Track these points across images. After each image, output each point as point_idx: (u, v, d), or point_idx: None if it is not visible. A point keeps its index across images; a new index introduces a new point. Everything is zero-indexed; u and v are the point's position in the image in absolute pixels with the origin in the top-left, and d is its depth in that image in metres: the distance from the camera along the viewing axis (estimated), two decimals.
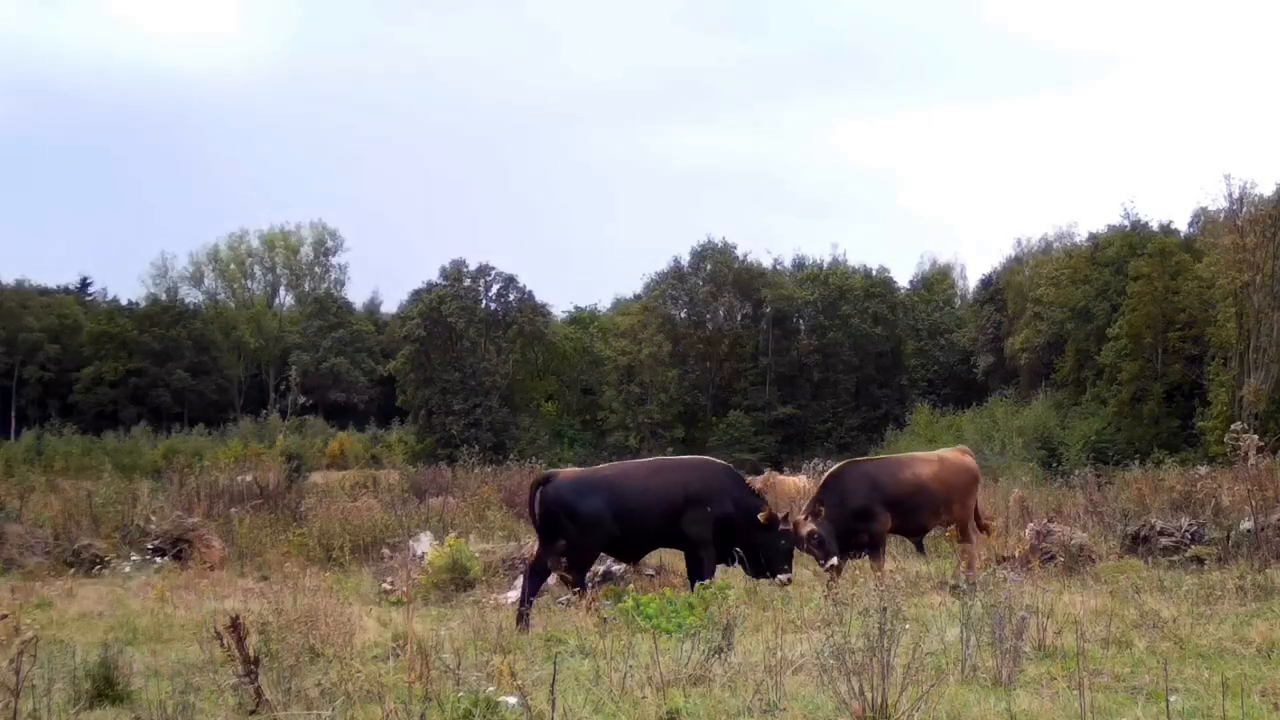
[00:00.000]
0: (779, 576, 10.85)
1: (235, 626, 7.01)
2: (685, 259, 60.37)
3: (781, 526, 10.98)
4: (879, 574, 10.98)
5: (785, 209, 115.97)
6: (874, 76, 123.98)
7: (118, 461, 38.96)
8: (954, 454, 12.57)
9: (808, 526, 11.14)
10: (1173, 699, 6.37)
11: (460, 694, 6.37)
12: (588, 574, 11.29)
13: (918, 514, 11.86)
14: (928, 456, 12.57)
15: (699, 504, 10.83)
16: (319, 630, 8.48)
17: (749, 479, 12.53)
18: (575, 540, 10.58)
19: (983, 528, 12.60)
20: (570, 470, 11.84)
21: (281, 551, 14.92)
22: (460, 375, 55.49)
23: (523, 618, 10.22)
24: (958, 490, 11.93)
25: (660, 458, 12.70)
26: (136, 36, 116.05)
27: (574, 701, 6.69)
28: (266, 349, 75.19)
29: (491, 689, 6.46)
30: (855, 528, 11.51)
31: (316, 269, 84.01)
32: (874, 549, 11.64)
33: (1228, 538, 12.63)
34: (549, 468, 31.60)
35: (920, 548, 12.82)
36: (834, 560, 11.02)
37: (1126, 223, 54.77)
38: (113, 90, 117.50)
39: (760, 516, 10.84)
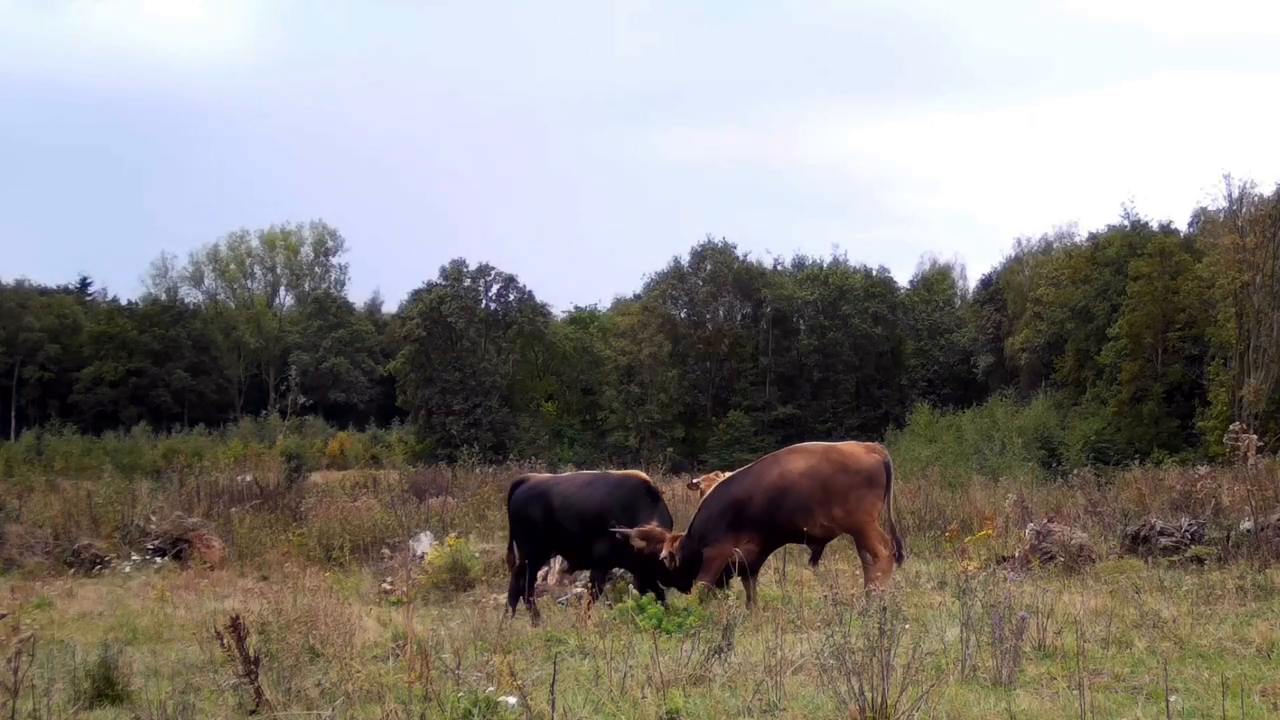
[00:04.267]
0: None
1: (235, 626, 7.01)
2: (685, 259, 60.38)
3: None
4: (700, 594, 10.17)
5: (785, 209, 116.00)
6: (874, 76, 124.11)
7: (118, 461, 39.00)
8: (847, 447, 11.04)
9: (666, 550, 10.40)
10: (1173, 699, 6.37)
11: (460, 694, 6.37)
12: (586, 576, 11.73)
13: (792, 518, 10.56)
14: (810, 448, 11.16)
15: (607, 520, 10.77)
16: (319, 630, 8.48)
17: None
18: (520, 541, 11.32)
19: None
20: (537, 476, 12.42)
21: (281, 551, 14.94)
22: (460, 375, 55.47)
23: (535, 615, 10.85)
24: (837, 490, 10.48)
25: (596, 472, 12.67)
26: (136, 36, 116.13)
27: (574, 701, 6.69)
28: (266, 349, 75.17)
29: (491, 689, 6.46)
30: (698, 550, 10.51)
31: (316, 269, 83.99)
32: (705, 569, 10.45)
33: (1228, 538, 12.62)
34: (548, 468, 31.75)
35: (815, 557, 11.24)
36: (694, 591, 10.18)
37: (1126, 223, 54.72)
38: (113, 90, 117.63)
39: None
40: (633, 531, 10.44)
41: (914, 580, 11.68)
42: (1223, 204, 45.16)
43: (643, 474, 11.62)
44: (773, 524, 10.59)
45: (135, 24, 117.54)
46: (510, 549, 11.58)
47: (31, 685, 6.52)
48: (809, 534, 10.74)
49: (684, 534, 10.66)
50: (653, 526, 10.55)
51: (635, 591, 10.74)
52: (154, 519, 16.89)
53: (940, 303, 66.25)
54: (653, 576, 10.68)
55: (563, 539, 11.29)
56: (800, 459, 10.76)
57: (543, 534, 11.27)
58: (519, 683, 6.53)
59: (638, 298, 62.41)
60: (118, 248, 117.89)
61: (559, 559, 12.58)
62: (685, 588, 10.50)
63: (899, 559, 10.83)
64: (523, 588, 11.17)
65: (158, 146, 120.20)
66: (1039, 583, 10.61)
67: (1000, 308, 59.50)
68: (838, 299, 58.48)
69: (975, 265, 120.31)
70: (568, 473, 12.79)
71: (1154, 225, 54.39)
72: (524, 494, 11.55)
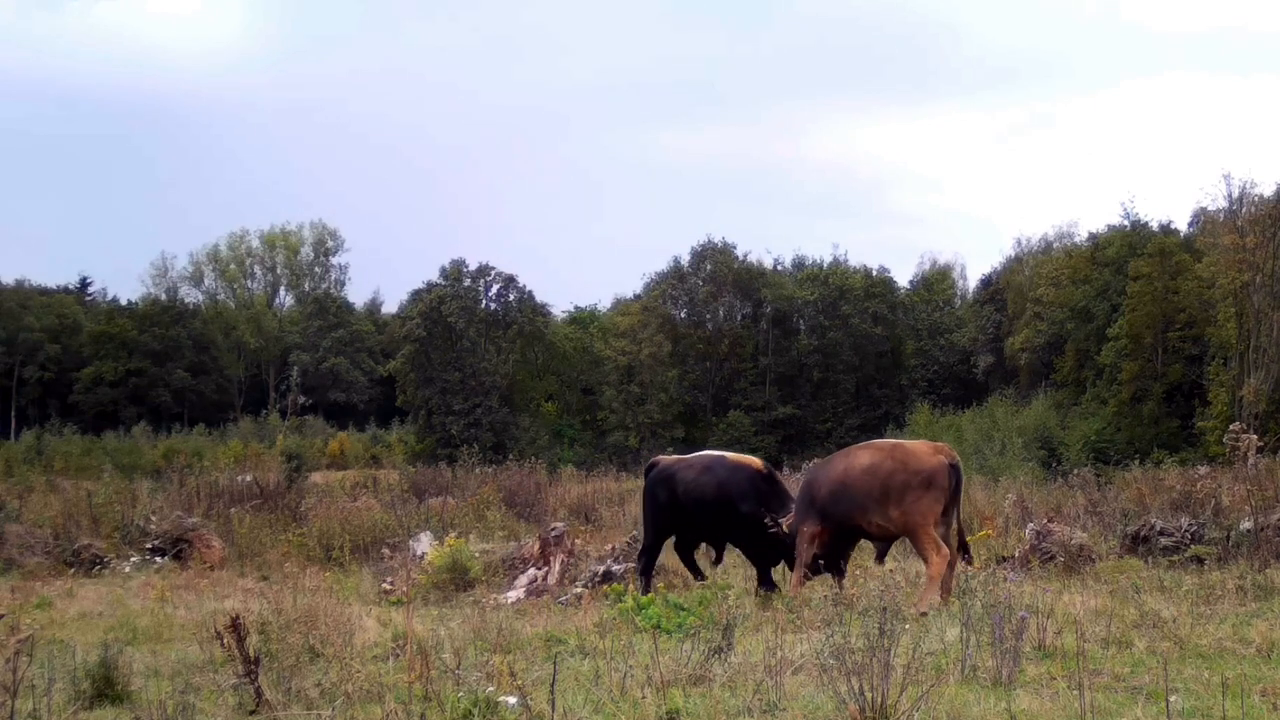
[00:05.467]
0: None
1: (235, 626, 7.01)
2: (685, 259, 60.38)
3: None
4: (793, 588, 10.49)
5: (785, 209, 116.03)
6: (875, 76, 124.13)
7: (118, 461, 38.96)
8: (912, 445, 10.93)
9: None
10: (1173, 699, 6.37)
11: (460, 694, 6.37)
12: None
13: (850, 514, 10.54)
14: (877, 444, 11.19)
15: (730, 503, 11.44)
16: (319, 630, 8.48)
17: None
18: (647, 521, 12.21)
19: (962, 545, 10.68)
20: (667, 459, 12.88)
21: (281, 551, 14.93)
22: (460, 375, 55.46)
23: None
24: (895, 488, 10.25)
25: (715, 454, 12.98)
26: (137, 34, 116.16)
27: (574, 701, 6.69)
28: (266, 349, 75.14)
29: (491, 689, 6.46)
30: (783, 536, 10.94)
31: (316, 269, 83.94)
32: (797, 551, 10.74)
33: (1228, 538, 12.60)
34: (552, 467, 31.69)
35: (880, 555, 11.62)
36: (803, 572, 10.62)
37: (1126, 223, 54.71)
38: (113, 90, 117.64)
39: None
40: (785, 523, 10.96)
41: (914, 580, 11.67)
42: (1223, 204, 45.23)
43: (758, 460, 12.11)
44: (835, 518, 10.60)
45: (136, 22, 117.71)
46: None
47: (31, 685, 6.52)
48: (867, 532, 10.73)
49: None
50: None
51: (635, 589, 10.77)
52: (154, 519, 16.87)
53: (940, 303, 66.23)
54: (766, 560, 11.37)
55: (685, 520, 11.91)
56: (866, 455, 10.70)
57: (668, 515, 11.97)
58: (519, 683, 6.52)
59: (638, 298, 62.39)
60: (118, 248, 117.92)
61: (556, 562, 12.61)
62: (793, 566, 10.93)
63: (967, 560, 10.62)
64: (648, 566, 11.86)
65: (158, 146, 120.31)
66: (1039, 583, 10.60)
67: (1000, 308, 59.48)
68: (838, 299, 58.46)
69: (975, 265, 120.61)
70: (691, 454, 13.19)
71: (1154, 225, 54.41)
72: (655, 476, 12.28)
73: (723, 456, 12.36)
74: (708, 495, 11.63)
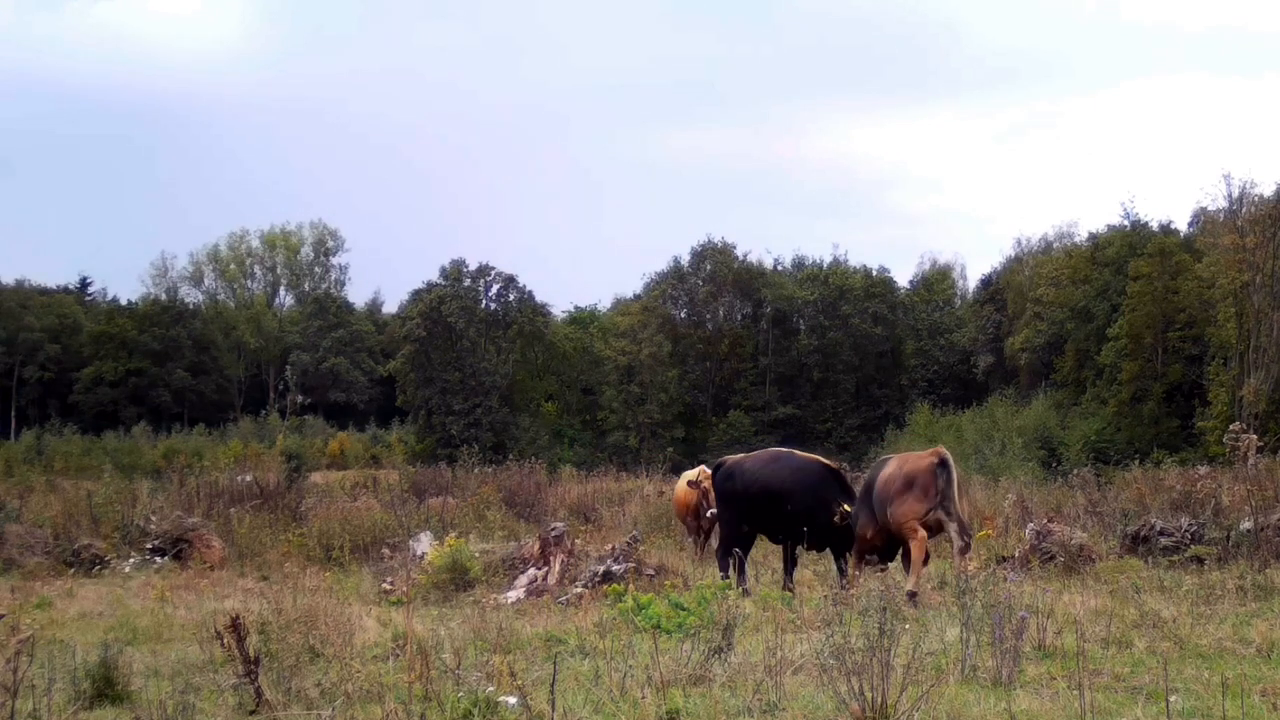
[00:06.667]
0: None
1: (235, 626, 7.01)
2: (685, 259, 60.38)
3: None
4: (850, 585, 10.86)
5: (785, 209, 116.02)
6: (875, 76, 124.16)
7: (118, 461, 38.96)
8: (914, 453, 12.00)
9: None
10: (1173, 699, 6.37)
11: (460, 694, 6.37)
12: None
13: (879, 515, 11.39)
14: (900, 456, 11.97)
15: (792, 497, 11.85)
16: (319, 630, 8.48)
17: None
18: (722, 520, 12.59)
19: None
20: (733, 458, 13.26)
21: (281, 551, 14.92)
22: (460, 375, 55.44)
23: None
24: (891, 492, 11.29)
25: (783, 450, 13.39)
26: (137, 34, 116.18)
27: (574, 701, 6.69)
28: (266, 349, 75.13)
29: (491, 689, 6.46)
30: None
31: (316, 269, 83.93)
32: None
33: (1228, 538, 12.61)
34: (552, 467, 31.46)
35: (895, 556, 12.12)
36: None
37: (1126, 223, 54.69)
38: (113, 90, 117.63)
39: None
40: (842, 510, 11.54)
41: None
42: (1223, 204, 45.22)
43: (825, 459, 12.58)
44: (880, 519, 11.36)
45: (136, 22, 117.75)
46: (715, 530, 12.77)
47: (31, 685, 6.52)
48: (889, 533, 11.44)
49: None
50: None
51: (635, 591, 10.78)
52: (154, 519, 16.87)
53: (940, 303, 66.20)
54: (840, 550, 11.74)
55: (755, 514, 12.20)
56: (890, 465, 11.63)
57: (744, 509, 12.23)
58: (519, 683, 6.53)
59: (638, 298, 62.38)
60: (118, 248, 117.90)
61: (556, 562, 12.59)
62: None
63: (965, 550, 10.99)
64: (729, 563, 12.07)
65: (159, 146, 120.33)
66: (1039, 583, 10.61)
67: (1000, 308, 59.46)
68: (838, 299, 58.45)
69: (975, 265, 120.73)
70: (757, 451, 13.68)
71: (1154, 225, 54.39)
72: (723, 474, 12.69)
73: (791, 452, 12.76)
74: (774, 488, 11.99)
